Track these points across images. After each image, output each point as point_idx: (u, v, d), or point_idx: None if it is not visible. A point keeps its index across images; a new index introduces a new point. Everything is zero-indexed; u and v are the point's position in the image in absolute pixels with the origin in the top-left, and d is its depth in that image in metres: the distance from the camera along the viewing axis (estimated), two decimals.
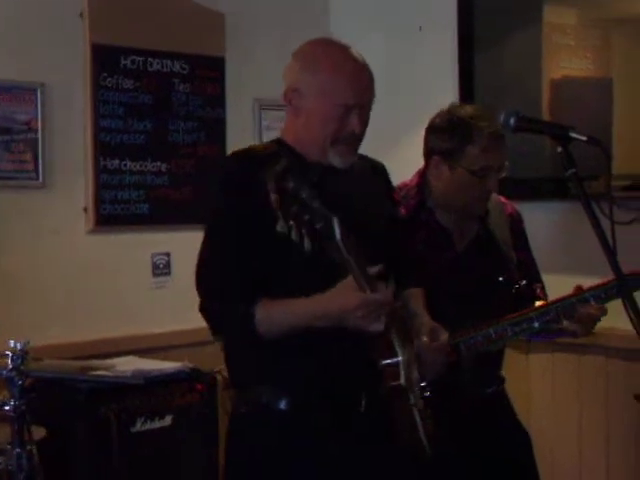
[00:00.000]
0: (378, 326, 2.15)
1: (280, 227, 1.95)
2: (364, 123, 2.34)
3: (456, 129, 2.68)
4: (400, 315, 2.31)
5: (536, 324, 2.66)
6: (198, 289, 2.29)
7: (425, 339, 2.38)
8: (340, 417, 2.25)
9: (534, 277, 2.91)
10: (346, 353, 2.24)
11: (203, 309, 2.28)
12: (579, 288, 2.68)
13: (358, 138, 2.35)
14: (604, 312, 2.66)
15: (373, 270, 2.12)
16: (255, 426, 2.31)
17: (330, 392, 2.24)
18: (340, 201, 2.16)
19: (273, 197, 1.94)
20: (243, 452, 2.33)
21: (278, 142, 2.40)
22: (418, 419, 2.27)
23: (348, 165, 2.35)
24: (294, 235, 1.95)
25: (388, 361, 2.21)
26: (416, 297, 2.52)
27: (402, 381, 2.21)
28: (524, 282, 2.81)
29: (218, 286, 2.26)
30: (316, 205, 1.97)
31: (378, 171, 2.54)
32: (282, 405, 2.26)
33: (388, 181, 2.58)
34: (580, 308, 2.63)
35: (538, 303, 2.76)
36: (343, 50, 2.36)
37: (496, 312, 2.71)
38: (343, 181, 2.33)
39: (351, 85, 2.29)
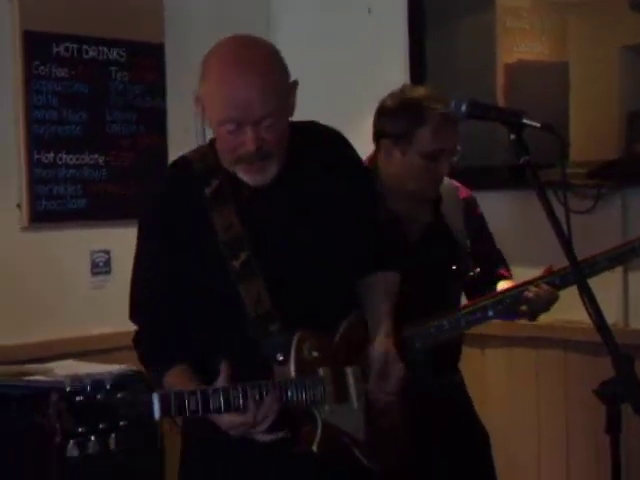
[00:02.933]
0: (264, 437, 2.08)
1: (69, 452, 1.83)
2: (260, 140, 2.10)
3: (407, 111, 2.64)
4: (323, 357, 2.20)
5: (490, 313, 2.69)
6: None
7: (372, 382, 2.26)
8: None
9: (499, 260, 2.90)
10: None
11: (135, 346, 2.29)
12: (548, 270, 2.72)
13: (261, 157, 2.12)
14: (553, 294, 2.69)
15: (221, 383, 2.03)
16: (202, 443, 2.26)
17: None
18: (265, 227, 2.17)
19: (55, 438, 1.84)
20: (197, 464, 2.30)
21: (213, 148, 2.24)
22: (360, 454, 2.22)
23: (258, 183, 2.18)
24: (91, 449, 1.84)
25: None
26: (380, 289, 2.35)
27: (314, 448, 2.14)
28: (478, 270, 2.80)
29: (141, 333, 2.26)
30: (120, 396, 1.87)
31: (329, 148, 2.31)
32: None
33: (345, 154, 2.35)
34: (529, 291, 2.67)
35: (502, 284, 2.79)
36: (241, 56, 2.12)
37: (450, 301, 2.73)
38: (274, 197, 2.20)
39: (232, 98, 2.08)
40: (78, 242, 3.86)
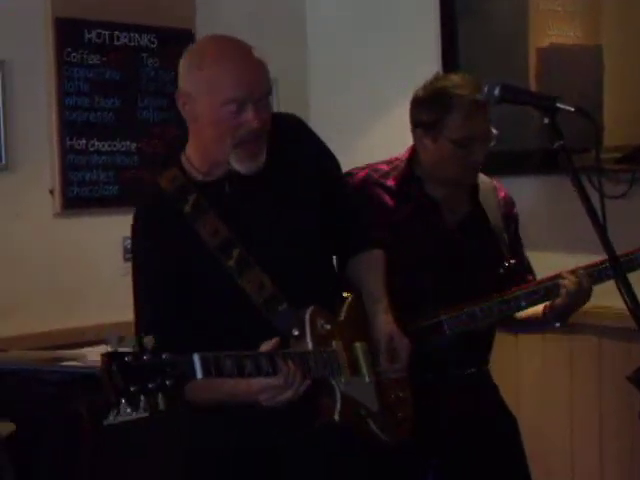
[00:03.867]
0: (288, 399, 2.10)
1: (122, 411, 1.85)
2: (262, 117, 2.20)
3: (436, 100, 2.65)
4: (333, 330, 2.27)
5: (523, 303, 2.69)
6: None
7: (383, 362, 2.31)
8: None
9: (526, 268, 2.88)
10: None
11: None
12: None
13: (260, 135, 2.21)
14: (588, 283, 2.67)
15: (266, 347, 2.09)
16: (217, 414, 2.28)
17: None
18: (251, 220, 2.22)
19: (108, 396, 1.85)
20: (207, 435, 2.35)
21: (180, 167, 2.30)
22: (374, 427, 2.27)
23: (252, 170, 2.23)
24: (142, 407, 1.86)
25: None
26: (372, 267, 2.43)
27: (336, 417, 2.18)
28: (513, 261, 2.78)
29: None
30: (165, 358, 1.89)
31: (292, 140, 2.36)
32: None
33: (309, 143, 2.41)
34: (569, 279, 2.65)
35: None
36: (232, 43, 2.24)
37: (483, 291, 2.70)
38: (254, 188, 2.25)
39: (238, 77, 2.16)
40: (110, 228, 3.85)
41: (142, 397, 1.85)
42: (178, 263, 2.21)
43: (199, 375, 1.92)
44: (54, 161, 3.73)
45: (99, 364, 3.17)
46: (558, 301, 2.68)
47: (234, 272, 2.19)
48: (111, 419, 3.28)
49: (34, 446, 3.16)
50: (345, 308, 2.33)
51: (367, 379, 2.28)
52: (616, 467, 3.64)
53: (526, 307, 2.71)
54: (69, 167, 3.74)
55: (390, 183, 2.72)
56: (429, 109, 2.65)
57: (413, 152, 2.76)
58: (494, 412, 2.81)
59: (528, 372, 3.84)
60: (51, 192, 3.74)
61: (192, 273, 2.21)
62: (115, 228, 3.83)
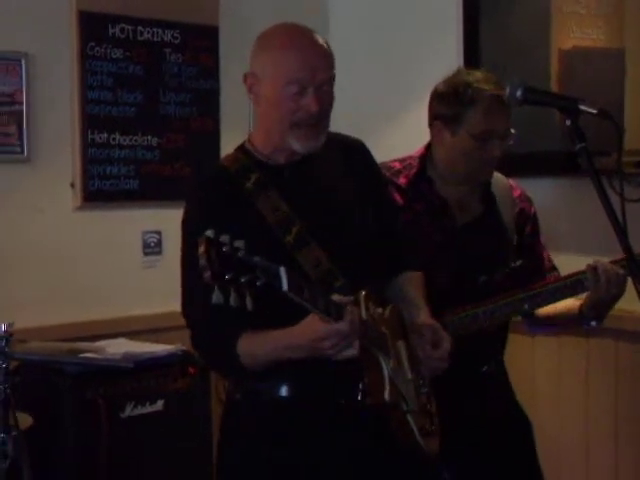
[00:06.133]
0: (351, 352, 2.12)
1: (215, 298, 1.88)
2: (322, 103, 2.25)
3: (458, 93, 2.65)
4: (386, 318, 2.29)
5: (526, 306, 2.67)
6: (185, 321, 2.33)
7: (427, 347, 2.31)
8: (339, 407, 2.23)
9: (548, 266, 2.86)
10: None
11: (195, 347, 2.35)
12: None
13: (318, 119, 2.26)
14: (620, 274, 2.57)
15: (337, 298, 2.10)
16: (251, 413, 2.29)
17: (329, 379, 2.21)
18: (309, 203, 2.26)
19: (204, 274, 1.86)
20: (238, 439, 2.32)
21: (243, 149, 2.36)
22: (413, 424, 2.26)
23: (310, 150, 2.29)
24: (232, 300, 1.88)
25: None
26: (413, 283, 2.46)
27: (386, 397, 2.19)
28: (519, 262, 2.77)
29: (203, 326, 2.28)
30: (256, 260, 1.90)
31: (353, 154, 2.45)
32: (283, 392, 2.26)
33: (368, 161, 2.50)
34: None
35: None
36: (301, 29, 2.31)
37: (491, 292, 2.69)
38: (312, 176, 2.32)
39: (302, 60, 2.22)
40: (130, 222, 3.87)
41: (232, 290, 1.86)
42: (235, 235, 2.19)
43: (284, 286, 1.91)
44: (75, 154, 3.73)
45: (117, 357, 3.23)
46: (589, 295, 2.64)
47: (292, 248, 2.21)
48: (128, 412, 3.31)
49: (52, 437, 3.19)
50: (389, 309, 2.33)
51: (409, 375, 2.28)
52: (632, 471, 3.62)
53: (529, 310, 2.70)
54: (90, 161, 3.75)
55: (401, 181, 2.72)
56: (450, 102, 2.65)
57: (427, 151, 2.76)
58: (508, 413, 2.80)
59: (544, 375, 3.83)
60: (72, 185, 3.74)
61: (250, 247, 2.19)
62: (135, 222, 3.89)
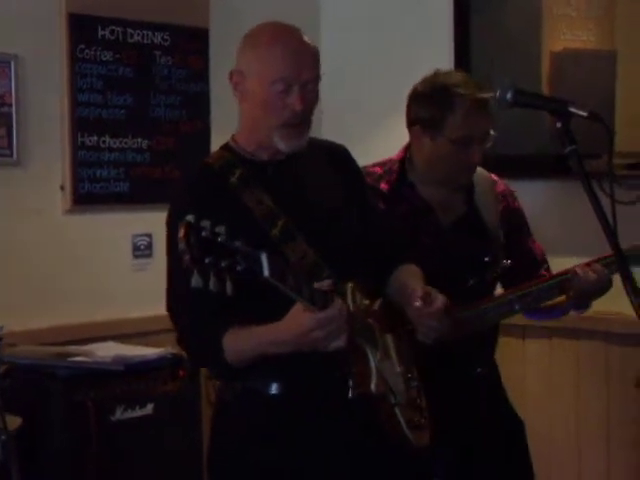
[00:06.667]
0: (338, 343, 2.12)
1: (195, 282, 1.88)
2: (306, 102, 2.26)
3: (437, 97, 2.63)
4: (373, 310, 2.30)
5: (517, 307, 2.67)
6: (170, 316, 2.32)
7: (417, 304, 2.30)
8: (329, 401, 2.23)
9: (539, 259, 2.85)
10: None
11: (179, 342, 2.35)
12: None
13: (302, 119, 2.27)
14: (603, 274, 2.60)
15: (320, 285, 2.10)
16: (242, 414, 2.29)
17: (319, 374, 2.21)
18: (294, 199, 2.26)
19: (184, 257, 1.86)
20: (229, 440, 2.32)
21: (227, 147, 2.37)
22: (401, 417, 2.26)
23: (294, 149, 2.30)
24: (212, 285, 1.88)
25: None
26: (410, 271, 2.45)
27: (372, 388, 2.20)
28: (508, 262, 2.76)
29: (186, 318, 2.27)
30: (237, 245, 1.90)
31: (337, 157, 2.46)
32: (273, 390, 2.25)
33: (352, 165, 2.51)
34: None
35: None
36: (288, 28, 2.32)
37: (479, 293, 2.69)
38: (296, 175, 2.34)
39: (289, 58, 2.24)
40: (120, 225, 3.86)
41: (212, 274, 1.86)
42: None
43: (266, 272, 1.91)
44: (65, 157, 3.72)
45: (107, 360, 3.22)
46: (571, 294, 2.64)
47: (279, 241, 2.21)
48: (118, 415, 3.30)
49: (41, 441, 3.17)
50: (378, 302, 2.33)
51: (398, 369, 2.29)
52: (623, 472, 3.64)
53: (519, 310, 2.69)
54: (80, 163, 3.73)
55: (383, 187, 2.70)
56: (429, 106, 2.63)
57: (406, 152, 2.74)
58: (501, 414, 2.80)
59: (534, 376, 3.84)
60: (62, 188, 3.73)
61: (232, 235, 2.21)
62: (125, 225, 3.88)
